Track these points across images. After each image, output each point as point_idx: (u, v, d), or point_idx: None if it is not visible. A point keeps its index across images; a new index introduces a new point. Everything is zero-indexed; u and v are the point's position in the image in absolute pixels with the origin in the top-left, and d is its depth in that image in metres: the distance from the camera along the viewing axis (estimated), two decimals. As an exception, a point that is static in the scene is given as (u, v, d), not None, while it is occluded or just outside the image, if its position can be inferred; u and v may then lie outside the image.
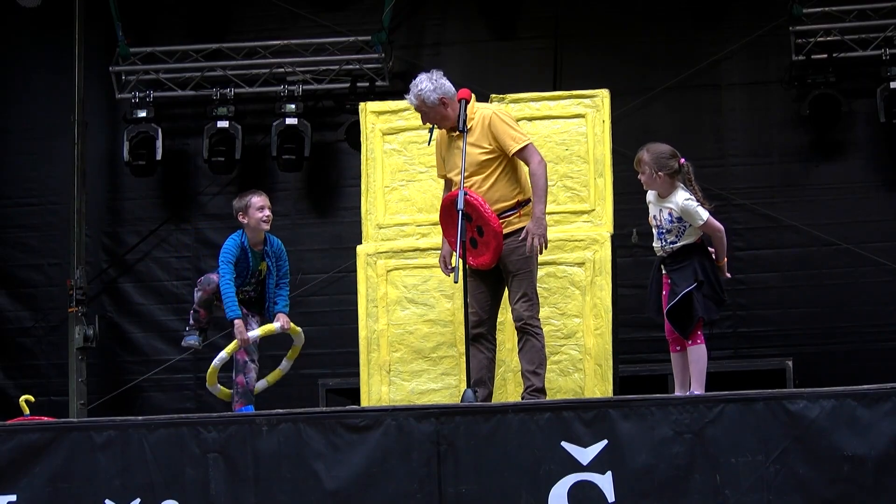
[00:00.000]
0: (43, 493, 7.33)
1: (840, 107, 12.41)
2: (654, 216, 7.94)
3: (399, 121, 8.94)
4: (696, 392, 7.71)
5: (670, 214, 7.83)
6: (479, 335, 8.10)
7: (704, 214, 7.78)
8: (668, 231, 7.85)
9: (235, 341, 8.97)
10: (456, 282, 7.85)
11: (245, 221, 9.18)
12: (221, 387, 9.22)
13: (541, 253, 8.02)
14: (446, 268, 8.30)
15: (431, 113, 8.17)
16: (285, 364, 9.42)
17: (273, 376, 9.38)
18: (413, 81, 8.20)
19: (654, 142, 8.01)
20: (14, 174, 13.51)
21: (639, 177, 7.93)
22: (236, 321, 8.98)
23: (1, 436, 7.44)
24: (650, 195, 7.99)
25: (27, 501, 7.34)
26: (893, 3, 12.40)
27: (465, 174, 8.03)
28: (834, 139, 12.76)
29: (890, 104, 12.18)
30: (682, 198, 7.81)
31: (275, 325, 9.16)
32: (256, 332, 9.08)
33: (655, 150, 7.89)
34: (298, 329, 9.31)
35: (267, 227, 9.20)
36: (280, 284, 9.35)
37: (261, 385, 9.32)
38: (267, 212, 9.18)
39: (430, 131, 8.32)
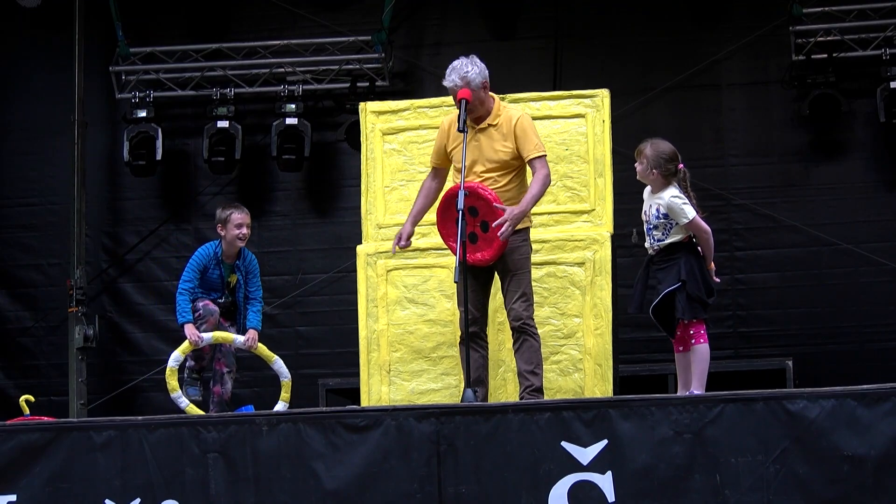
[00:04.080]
0: (43, 493, 7.33)
1: (840, 107, 12.41)
2: (645, 211, 7.93)
3: (399, 121, 8.94)
4: (696, 392, 7.71)
5: (658, 210, 7.81)
6: (473, 333, 8.10)
7: (690, 213, 7.75)
8: (655, 227, 7.83)
9: (187, 341, 8.91)
10: (456, 280, 7.85)
11: (222, 234, 9.19)
12: (186, 400, 8.95)
13: (501, 237, 7.95)
14: (398, 242, 8.26)
15: (475, 96, 8.09)
16: (281, 406, 9.00)
17: None
18: (452, 64, 8.15)
19: (661, 139, 7.99)
20: (14, 174, 13.52)
21: (635, 165, 7.91)
22: (186, 325, 8.95)
23: (1, 436, 7.44)
24: (646, 189, 7.99)
25: (27, 501, 7.34)
26: (893, 3, 12.40)
27: (484, 169, 8.08)
28: (834, 139, 12.76)
29: (890, 104, 12.18)
30: (670, 194, 7.79)
31: (234, 338, 9.05)
32: (209, 335, 8.99)
33: (658, 147, 7.86)
34: (273, 356, 9.07)
35: (242, 244, 9.21)
36: (250, 300, 9.29)
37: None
38: (245, 230, 9.18)
39: (461, 118, 8.09)
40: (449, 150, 8.27)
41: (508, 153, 8.11)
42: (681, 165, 7.87)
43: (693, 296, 7.70)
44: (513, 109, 8.24)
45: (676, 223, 7.78)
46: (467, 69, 8.11)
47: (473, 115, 8.16)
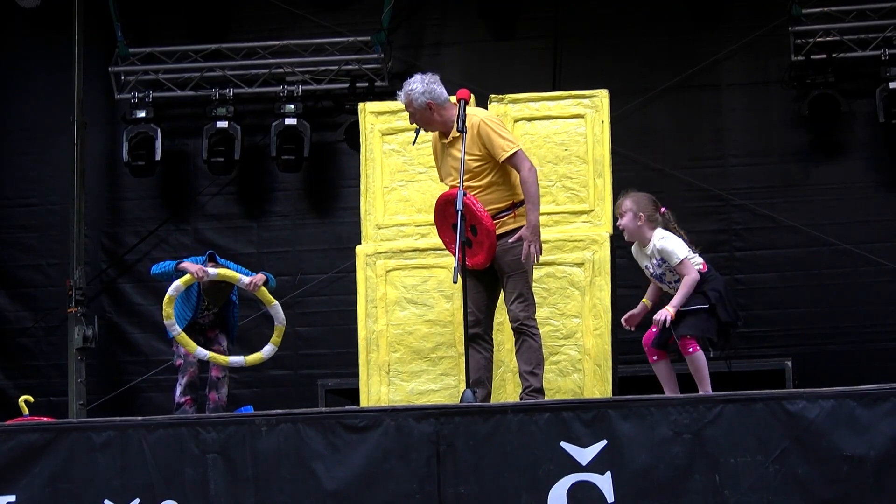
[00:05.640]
0: (43, 494, 7.33)
1: (840, 107, 12.41)
2: (647, 266, 8.10)
3: (398, 121, 8.93)
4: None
5: (657, 260, 7.98)
6: (476, 335, 8.08)
7: (681, 253, 7.93)
8: (664, 274, 8.01)
9: (189, 274, 8.88)
10: (455, 282, 7.84)
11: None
12: (178, 328, 9.01)
13: (536, 262, 8.01)
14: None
15: (417, 114, 8.16)
16: (269, 349, 9.20)
17: (252, 358, 9.23)
18: (407, 80, 8.20)
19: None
20: (14, 174, 13.51)
21: (619, 224, 8.05)
22: (185, 264, 8.92)
23: (1, 436, 7.45)
24: (634, 249, 8.15)
25: (27, 501, 7.34)
26: (893, 4, 12.40)
27: (461, 178, 8.04)
28: (834, 139, 12.76)
29: (889, 104, 12.18)
30: (658, 238, 8.01)
31: (240, 277, 9.04)
32: (215, 270, 8.98)
33: (636, 195, 8.10)
34: (273, 300, 9.14)
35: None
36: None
37: (236, 361, 9.19)
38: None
39: (416, 132, 8.29)
40: (439, 166, 8.30)
41: (475, 158, 8.04)
42: (663, 209, 8.10)
43: (723, 317, 7.88)
44: (472, 116, 8.12)
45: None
46: (412, 86, 8.11)
47: (433, 129, 8.19)
